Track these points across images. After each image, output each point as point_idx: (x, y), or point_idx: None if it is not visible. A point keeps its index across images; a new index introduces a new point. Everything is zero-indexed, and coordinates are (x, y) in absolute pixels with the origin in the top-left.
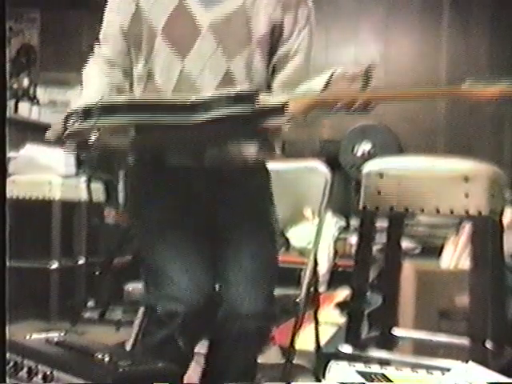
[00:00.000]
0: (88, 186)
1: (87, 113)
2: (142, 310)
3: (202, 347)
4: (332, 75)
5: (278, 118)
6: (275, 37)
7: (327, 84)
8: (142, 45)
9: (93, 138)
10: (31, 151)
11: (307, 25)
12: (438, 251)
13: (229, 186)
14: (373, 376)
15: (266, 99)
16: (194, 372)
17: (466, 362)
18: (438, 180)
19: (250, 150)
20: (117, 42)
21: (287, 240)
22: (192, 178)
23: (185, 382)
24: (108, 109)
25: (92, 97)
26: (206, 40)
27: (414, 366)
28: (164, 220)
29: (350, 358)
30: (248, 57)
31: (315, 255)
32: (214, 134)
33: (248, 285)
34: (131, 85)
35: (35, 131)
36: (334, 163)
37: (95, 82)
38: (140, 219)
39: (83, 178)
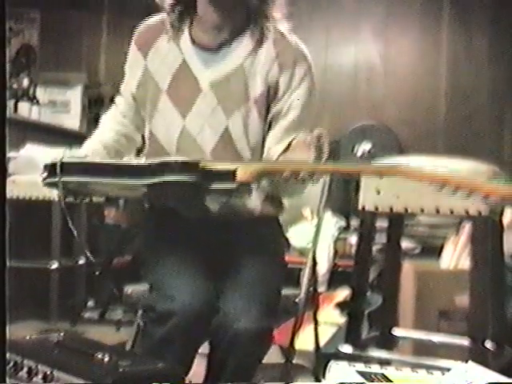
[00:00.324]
0: None
1: (51, 170)
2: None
3: (204, 348)
4: (291, 142)
5: (227, 184)
6: (271, 95)
7: (285, 150)
8: (146, 105)
9: (60, 192)
10: (31, 151)
11: (303, 82)
12: (437, 251)
13: (231, 233)
14: (373, 376)
15: (215, 165)
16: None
17: (466, 361)
18: None
19: (254, 202)
20: (128, 101)
21: (287, 240)
22: (197, 224)
23: (187, 381)
24: (67, 168)
25: (82, 151)
26: (206, 98)
27: (414, 366)
28: (168, 245)
29: (350, 358)
30: (245, 114)
31: (314, 255)
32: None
33: (247, 305)
34: (143, 137)
35: (35, 131)
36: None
37: (97, 137)
38: (147, 245)
39: None
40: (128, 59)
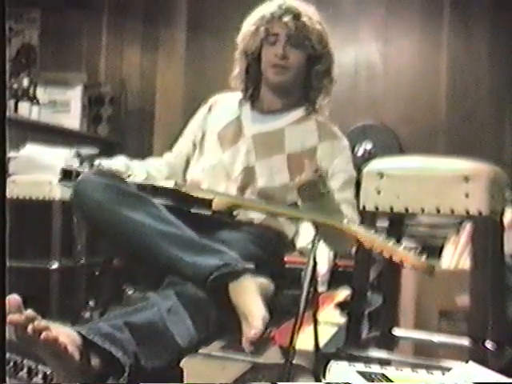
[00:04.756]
0: None
1: (66, 174)
2: None
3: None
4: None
5: (203, 210)
6: (308, 156)
7: None
8: (201, 144)
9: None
10: (31, 151)
11: (342, 153)
12: (438, 251)
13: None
14: (373, 376)
15: (195, 193)
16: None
17: (466, 361)
18: (438, 180)
19: (256, 214)
20: (178, 156)
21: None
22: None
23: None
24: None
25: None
26: (245, 143)
27: (415, 366)
28: None
29: (350, 358)
30: (275, 163)
31: (314, 255)
32: None
33: None
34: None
35: (35, 131)
36: None
37: (130, 162)
38: None
39: None
40: (196, 118)
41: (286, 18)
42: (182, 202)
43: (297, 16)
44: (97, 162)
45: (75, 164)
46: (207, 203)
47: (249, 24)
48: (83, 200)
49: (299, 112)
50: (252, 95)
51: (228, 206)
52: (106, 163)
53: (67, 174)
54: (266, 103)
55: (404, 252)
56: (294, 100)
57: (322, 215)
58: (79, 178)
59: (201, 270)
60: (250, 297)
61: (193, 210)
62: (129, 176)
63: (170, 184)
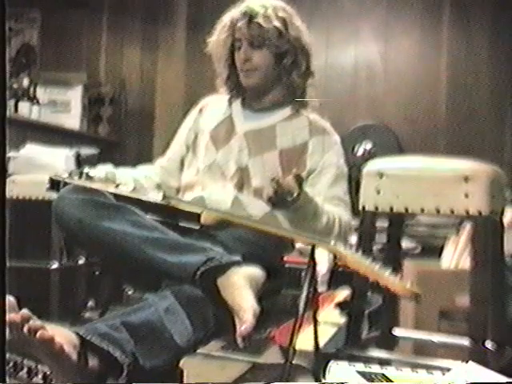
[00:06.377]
0: None
1: (53, 184)
2: None
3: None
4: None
5: (192, 224)
6: (298, 152)
7: None
8: (194, 146)
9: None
10: (31, 151)
11: (332, 149)
12: (438, 251)
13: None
14: (373, 376)
15: (183, 207)
16: None
17: (466, 362)
18: (438, 180)
19: (257, 210)
20: (175, 154)
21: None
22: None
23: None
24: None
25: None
26: (238, 141)
27: (415, 366)
28: None
29: (350, 358)
30: (268, 160)
31: (314, 255)
32: None
33: None
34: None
35: (35, 131)
36: None
37: (130, 173)
38: None
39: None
40: (187, 121)
41: (240, 23)
42: (169, 216)
43: (251, 18)
44: (85, 169)
45: (65, 173)
46: (195, 217)
47: (215, 34)
48: (63, 219)
49: (288, 109)
50: (241, 95)
51: (217, 221)
52: (94, 172)
53: (54, 184)
54: (254, 102)
55: (389, 278)
56: (280, 98)
57: (298, 221)
58: (56, 198)
59: (186, 268)
60: (239, 291)
61: (181, 224)
62: (117, 186)
63: (158, 196)
